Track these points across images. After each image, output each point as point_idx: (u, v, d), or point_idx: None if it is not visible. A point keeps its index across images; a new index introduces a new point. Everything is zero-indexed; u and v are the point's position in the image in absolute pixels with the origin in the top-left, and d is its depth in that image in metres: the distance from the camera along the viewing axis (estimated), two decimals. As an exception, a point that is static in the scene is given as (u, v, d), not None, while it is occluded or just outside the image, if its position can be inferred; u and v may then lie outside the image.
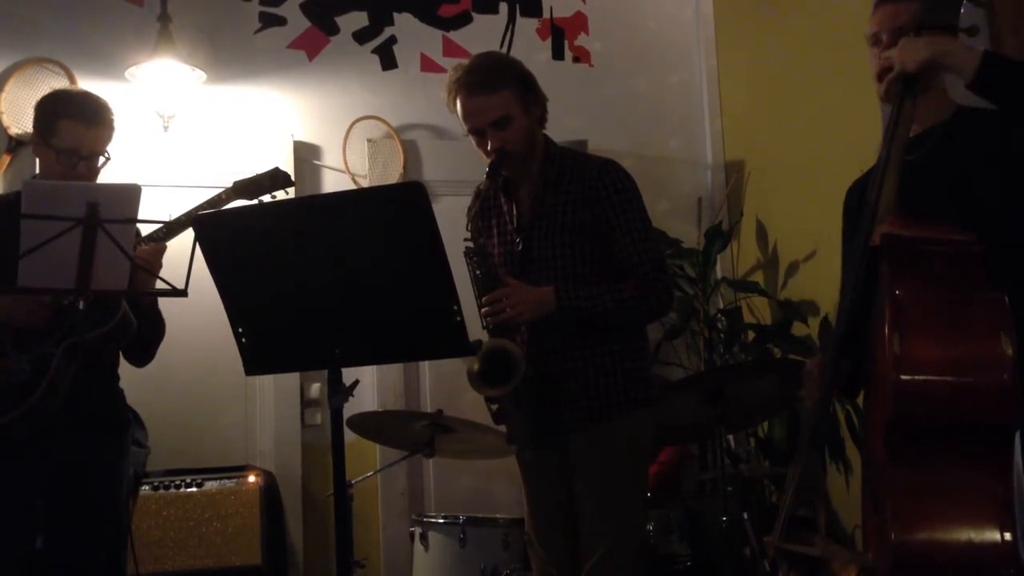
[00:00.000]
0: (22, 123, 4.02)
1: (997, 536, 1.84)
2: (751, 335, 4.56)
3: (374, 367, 4.30)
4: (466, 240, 2.73)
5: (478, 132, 2.74)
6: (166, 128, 4.23)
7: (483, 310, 2.68)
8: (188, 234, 2.85)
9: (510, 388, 2.60)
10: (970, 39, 2.21)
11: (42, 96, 2.93)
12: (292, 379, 4.34)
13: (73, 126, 2.78)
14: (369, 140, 4.59)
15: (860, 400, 3.34)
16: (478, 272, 2.71)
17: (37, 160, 2.89)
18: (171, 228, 2.81)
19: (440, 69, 4.59)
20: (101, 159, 2.84)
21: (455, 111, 2.77)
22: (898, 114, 2.18)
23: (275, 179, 2.93)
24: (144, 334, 2.91)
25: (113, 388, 2.95)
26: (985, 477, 1.89)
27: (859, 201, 2.34)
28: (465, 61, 2.79)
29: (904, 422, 1.92)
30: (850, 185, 2.54)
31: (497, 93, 2.68)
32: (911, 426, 1.91)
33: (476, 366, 2.60)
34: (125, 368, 2.99)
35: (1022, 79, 2.09)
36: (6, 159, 4.10)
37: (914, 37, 2.17)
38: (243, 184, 2.92)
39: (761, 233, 4.79)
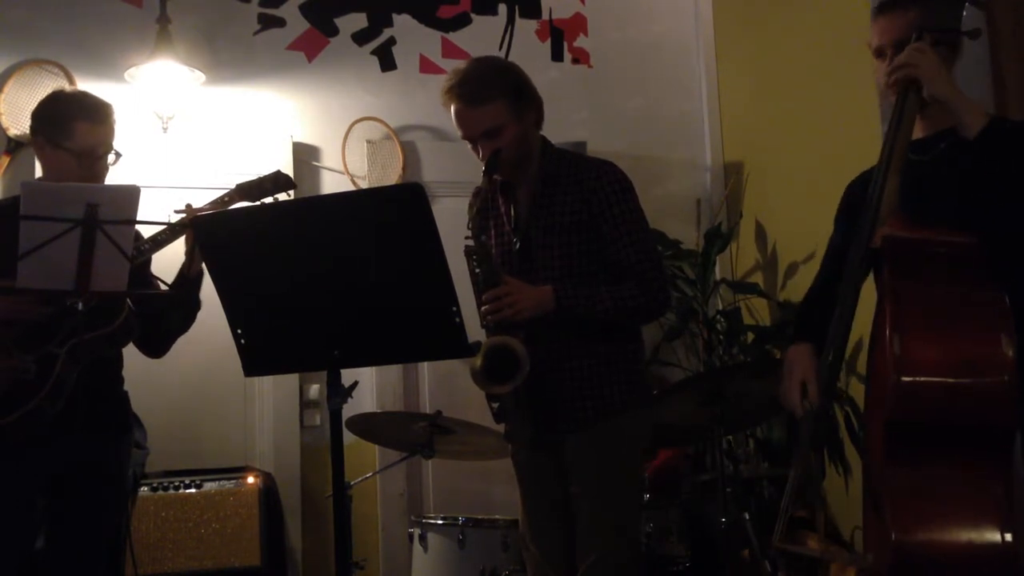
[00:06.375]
0: (21, 124, 4.02)
1: (997, 537, 1.84)
2: (750, 336, 4.56)
3: (373, 368, 4.30)
4: (467, 238, 2.74)
5: (470, 139, 2.76)
6: (165, 129, 4.23)
7: (483, 308, 2.68)
8: (187, 235, 2.86)
9: (514, 385, 2.60)
10: (971, 41, 2.22)
11: (43, 99, 2.91)
12: (291, 380, 4.34)
13: (89, 127, 2.79)
14: (368, 141, 4.59)
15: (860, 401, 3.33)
16: (478, 270, 2.72)
17: (38, 163, 2.89)
18: (174, 230, 2.81)
19: (439, 70, 4.59)
20: (111, 157, 2.85)
21: (451, 114, 2.78)
22: (902, 107, 2.18)
23: (277, 182, 2.95)
24: (176, 324, 2.93)
25: (117, 390, 2.95)
26: (985, 478, 1.89)
27: (861, 198, 2.33)
28: (462, 65, 2.79)
29: (904, 423, 1.92)
30: (853, 179, 2.54)
31: (486, 105, 2.69)
32: (911, 427, 1.92)
33: (479, 363, 2.60)
34: (125, 369, 2.98)
35: (1015, 156, 2.09)
36: (5, 160, 4.10)
37: (937, 59, 2.15)
38: (246, 187, 2.94)
39: (760, 234, 4.79)
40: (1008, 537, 1.83)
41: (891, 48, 2.30)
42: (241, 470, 4.00)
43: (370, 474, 3.87)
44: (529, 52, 4.75)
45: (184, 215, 2.80)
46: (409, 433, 3.52)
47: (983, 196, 2.15)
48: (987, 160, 2.12)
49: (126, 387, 2.98)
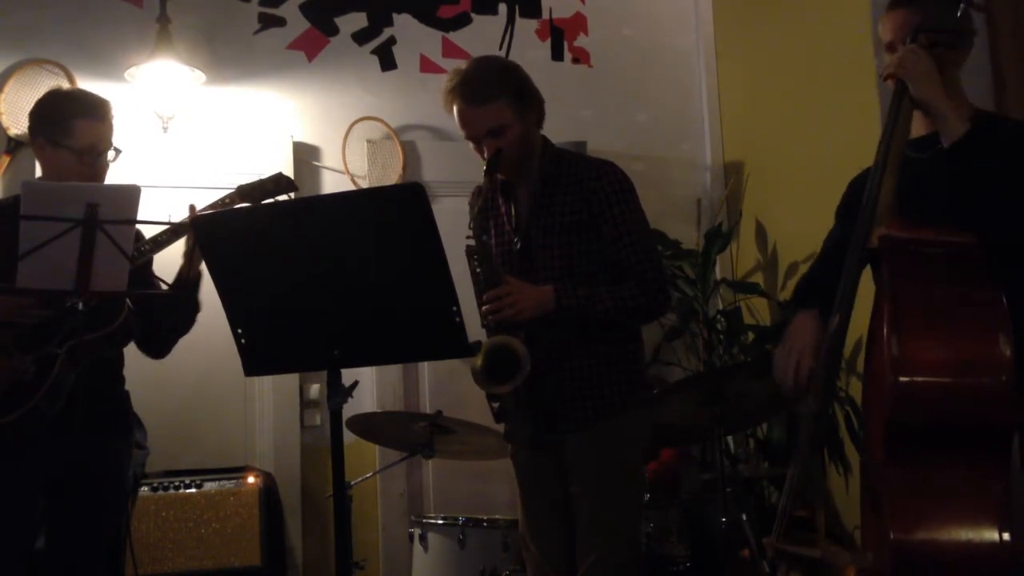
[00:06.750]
0: (22, 124, 4.02)
1: (996, 536, 1.84)
2: (751, 336, 4.56)
3: (373, 368, 4.30)
4: (468, 238, 2.74)
5: (474, 139, 2.76)
6: (165, 129, 4.23)
7: (483, 308, 2.69)
8: (187, 235, 2.86)
9: (515, 385, 2.60)
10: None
11: (40, 99, 2.91)
12: (291, 380, 4.34)
13: (89, 124, 2.78)
14: (368, 141, 4.59)
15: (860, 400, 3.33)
16: (479, 270, 2.72)
17: (38, 163, 2.89)
18: (175, 230, 2.81)
19: (439, 70, 4.59)
20: (111, 153, 2.85)
21: (452, 115, 2.78)
22: (898, 105, 2.19)
23: (279, 184, 2.95)
24: (176, 325, 2.93)
25: (117, 389, 2.95)
26: (984, 478, 1.89)
27: (862, 195, 2.33)
28: (463, 65, 2.80)
29: (903, 423, 1.92)
30: (856, 176, 2.54)
31: (490, 104, 2.70)
32: (910, 427, 1.92)
33: (480, 363, 2.60)
34: (125, 369, 2.98)
35: (988, 166, 2.11)
36: (5, 160, 4.10)
37: (927, 61, 2.17)
38: (247, 188, 2.94)
39: (760, 234, 4.79)
40: (1007, 536, 1.83)
41: (900, 45, 2.31)
42: (241, 470, 4.00)
43: (370, 474, 3.87)
44: (529, 52, 4.75)
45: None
46: (409, 433, 3.52)
47: (974, 196, 2.16)
48: (964, 168, 2.13)
49: (126, 387, 2.99)
